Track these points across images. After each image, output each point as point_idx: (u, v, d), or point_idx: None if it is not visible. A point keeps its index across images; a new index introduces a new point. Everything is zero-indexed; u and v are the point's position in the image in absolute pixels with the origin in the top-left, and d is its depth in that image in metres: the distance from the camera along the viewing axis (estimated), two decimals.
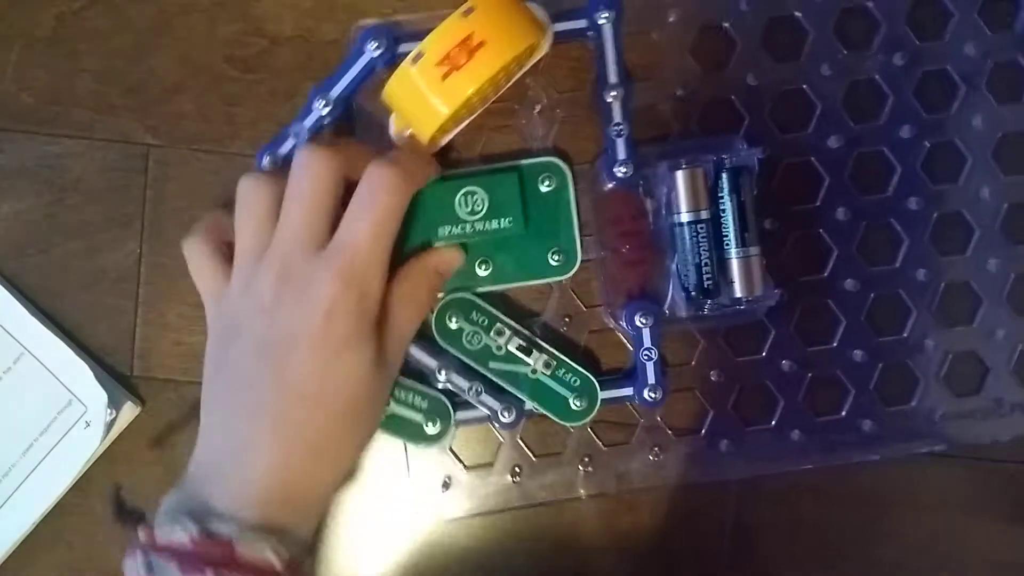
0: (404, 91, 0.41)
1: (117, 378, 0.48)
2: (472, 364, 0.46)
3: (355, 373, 0.41)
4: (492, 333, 0.46)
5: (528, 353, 0.46)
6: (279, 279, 0.40)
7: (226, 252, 0.43)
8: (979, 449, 0.49)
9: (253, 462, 0.40)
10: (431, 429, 0.46)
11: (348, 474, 0.47)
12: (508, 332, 0.46)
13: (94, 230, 0.48)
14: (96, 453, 0.47)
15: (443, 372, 0.46)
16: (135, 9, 0.48)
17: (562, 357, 0.47)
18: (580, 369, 0.47)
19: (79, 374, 0.47)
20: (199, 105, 0.48)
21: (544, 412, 0.47)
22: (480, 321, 0.46)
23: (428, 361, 0.47)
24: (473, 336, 0.46)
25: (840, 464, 0.48)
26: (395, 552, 0.49)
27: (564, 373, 0.47)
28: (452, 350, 0.46)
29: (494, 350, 0.46)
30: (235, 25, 0.48)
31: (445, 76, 0.40)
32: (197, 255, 0.44)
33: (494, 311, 0.46)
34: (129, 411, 0.47)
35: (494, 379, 0.46)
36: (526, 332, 0.47)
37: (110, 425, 0.47)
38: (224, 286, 0.42)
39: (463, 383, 0.46)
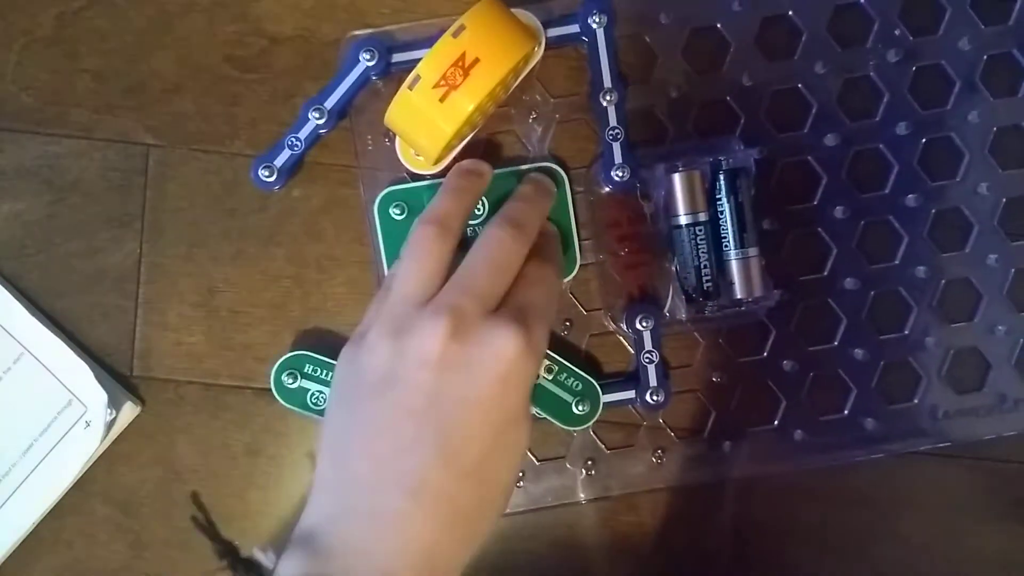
0: (405, 116, 0.41)
1: (117, 378, 0.48)
2: None
3: (519, 452, 0.39)
4: None
5: None
6: (451, 335, 0.38)
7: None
8: (980, 449, 0.49)
9: (406, 541, 0.37)
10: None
11: None
12: None
13: (94, 230, 0.48)
14: (96, 453, 0.47)
15: None
16: (135, 9, 0.48)
17: (563, 362, 0.47)
18: (582, 373, 0.47)
19: (79, 374, 0.47)
20: (199, 105, 0.48)
21: (547, 417, 0.47)
22: None
23: None
24: None
25: (842, 464, 0.48)
26: None
27: (566, 378, 0.47)
28: None
29: None
30: (235, 25, 0.48)
31: (443, 97, 0.40)
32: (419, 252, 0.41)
33: None
34: (129, 411, 0.47)
35: None
36: None
37: (110, 425, 0.47)
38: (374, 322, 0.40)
39: None
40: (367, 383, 0.39)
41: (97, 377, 0.47)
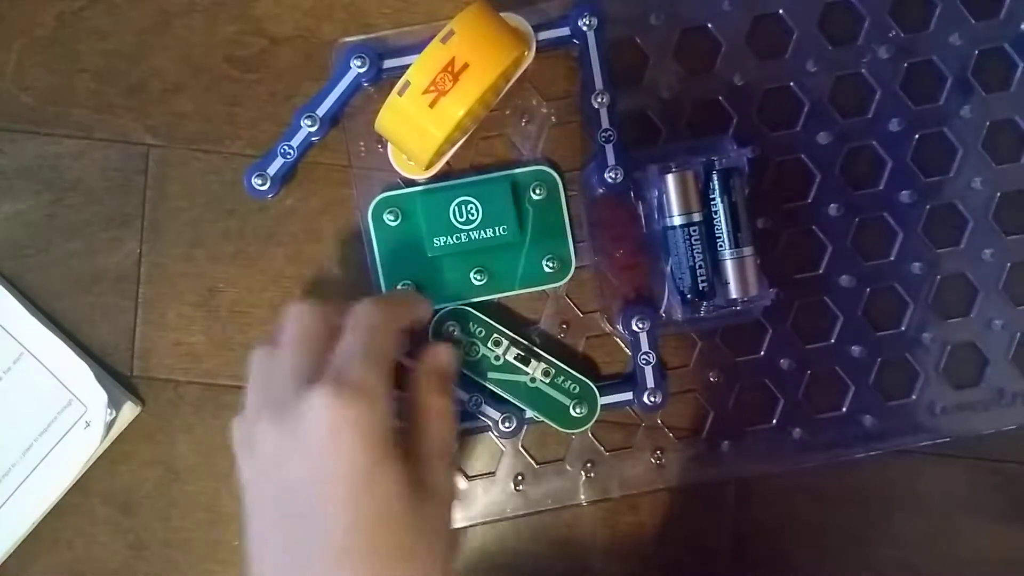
0: (396, 122, 0.42)
1: (117, 378, 0.48)
2: (471, 375, 0.46)
3: (386, 506, 0.35)
4: (490, 343, 0.46)
5: (527, 362, 0.46)
6: (274, 424, 0.37)
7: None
8: (980, 449, 0.49)
9: None
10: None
11: None
12: (506, 342, 0.46)
13: (94, 230, 0.48)
14: (96, 453, 0.47)
15: None
16: (135, 9, 0.48)
17: (561, 365, 0.47)
18: (579, 376, 0.47)
19: (79, 374, 0.47)
20: (199, 105, 0.48)
21: (545, 420, 0.47)
22: (477, 332, 0.47)
23: None
24: (471, 347, 0.46)
25: (841, 461, 0.48)
26: None
27: (563, 381, 0.47)
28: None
29: (492, 360, 0.46)
30: (235, 25, 0.48)
31: (433, 103, 0.40)
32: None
33: (491, 321, 0.47)
34: (129, 411, 0.47)
35: (494, 389, 0.47)
36: (524, 341, 0.47)
37: (110, 425, 0.47)
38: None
39: (463, 395, 0.46)
40: (246, 511, 0.38)
41: (97, 377, 0.47)
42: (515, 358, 0.46)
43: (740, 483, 0.49)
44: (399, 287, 0.46)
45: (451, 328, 0.46)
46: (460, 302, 0.47)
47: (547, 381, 0.46)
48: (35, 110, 0.48)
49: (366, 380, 0.36)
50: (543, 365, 0.46)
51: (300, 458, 0.36)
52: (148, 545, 0.48)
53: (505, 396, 0.47)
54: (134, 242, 0.48)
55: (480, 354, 0.46)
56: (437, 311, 0.46)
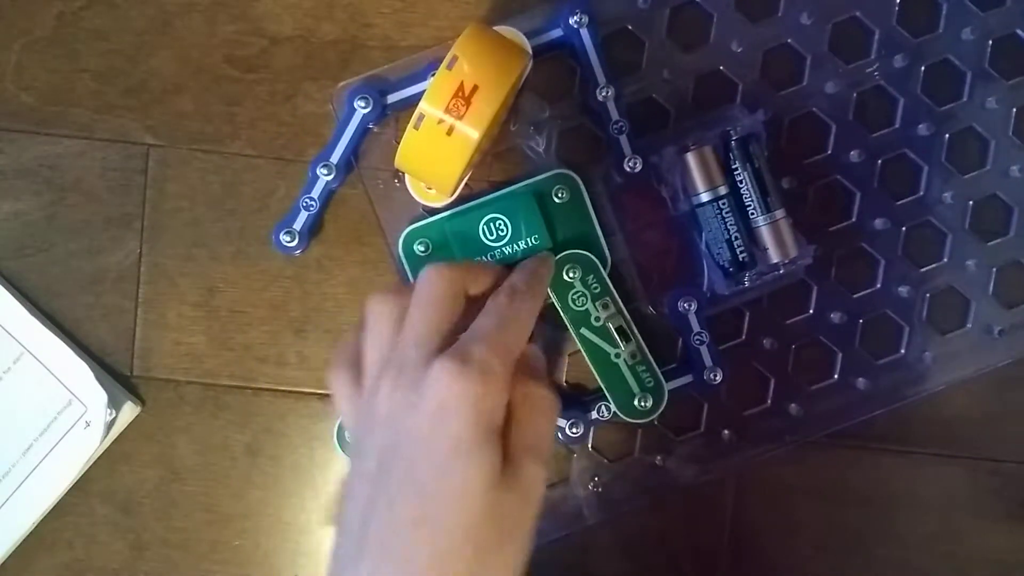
0: (415, 155, 0.41)
1: (117, 378, 0.48)
2: (566, 322, 0.46)
3: (472, 487, 0.35)
4: (599, 304, 0.46)
5: (624, 337, 0.46)
6: (394, 386, 0.37)
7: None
8: (979, 449, 0.49)
9: None
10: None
11: None
12: (613, 308, 0.46)
13: (94, 230, 0.48)
14: (96, 453, 0.47)
15: None
16: (135, 9, 0.48)
17: (648, 355, 0.46)
18: (658, 372, 0.46)
19: (79, 374, 0.47)
20: (199, 105, 0.48)
21: (608, 399, 0.46)
22: (592, 286, 0.46)
23: None
24: (580, 297, 0.46)
25: (841, 462, 0.48)
26: None
27: (643, 370, 0.46)
28: (555, 301, 0.46)
29: (592, 320, 0.46)
30: (235, 25, 0.48)
31: (450, 131, 0.40)
32: (335, 382, 0.40)
33: (609, 283, 0.46)
34: (129, 411, 0.47)
35: (578, 344, 0.46)
36: (628, 317, 0.46)
37: (110, 425, 0.47)
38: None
39: None
40: (351, 462, 0.39)
41: (97, 377, 0.47)
42: (616, 328, 0.46)
43: (739, 483, 0.49)
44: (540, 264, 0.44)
45: (572, 271, 0.46)
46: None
47: (630, 363, 0.46)
48: (35, 110, 0.48)
49: (492, 364, 0.36)
50: (633, 347, 0.46)
51: (412, 422, 0.36)
52: (148, 545, 0.48)
53: (584, 355, 0.46)
54: (134, 242, 0.48)
55: (584, 307, 0.46)
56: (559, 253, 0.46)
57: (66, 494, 0.47)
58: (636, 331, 0.46)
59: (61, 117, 0.48)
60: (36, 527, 0.47)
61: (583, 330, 0.46)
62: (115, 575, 0.48)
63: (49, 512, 0.47)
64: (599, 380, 0.46)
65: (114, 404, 0.47)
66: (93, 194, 0.48)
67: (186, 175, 0.48)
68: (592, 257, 0.46)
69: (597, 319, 0.46)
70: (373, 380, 0.38)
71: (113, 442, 0.48)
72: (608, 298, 0.46)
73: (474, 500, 0.35)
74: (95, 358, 0.48)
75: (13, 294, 0.47)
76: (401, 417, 0.36)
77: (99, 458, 0.48)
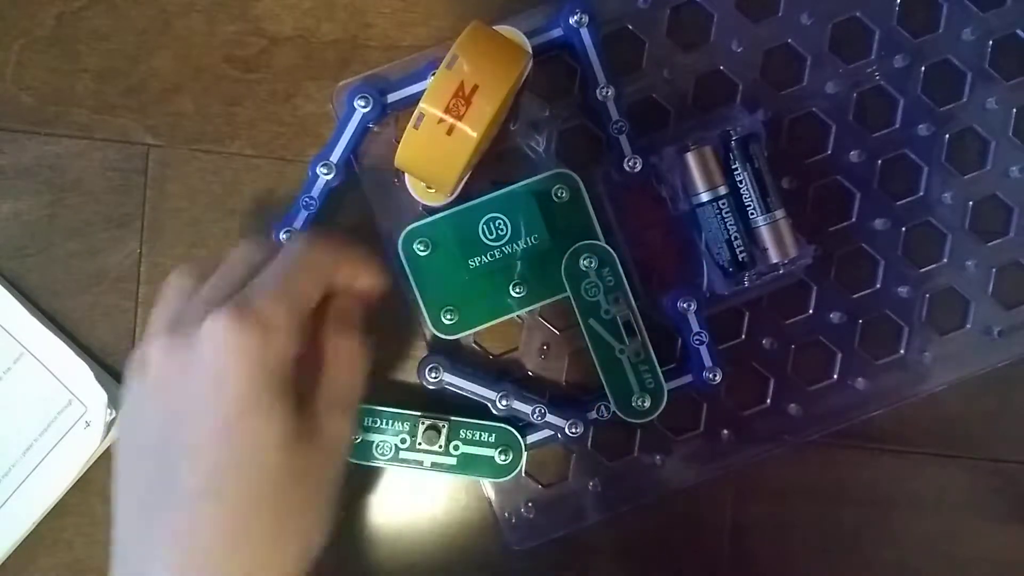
0: (415, 155, 0.41)
1: (117, 378, 0.48)
2: (575, 310, 0.46)
3: (261, 449, 0.33)
4: (610, 297, 0.46)
5: (631, 334, 0.46)
6: (167, 345, 0.34)
7: None
8: (979, 449, 0.49)
9: None
10: (502, 459, 0.46)
11: None
12: (623, 304, 0.46)
13: (94, 230, 0.48)
14: (96, 453, 0.47)
15: (503, 401, 0.46)
16: (135, 9, 0.48)
17: (652, 357, 0.46)
18: (660, 375, 0.46)
19: (79, 374, 0.47)
20: (199, 105, 0.48)
21: (608, 398, 0.46)
22: (606, 279, 0.46)
23: (486, 393, 0.46)
24: (592, 288, 0.46)
25: (840, 461, 0.49)
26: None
27: (646, 371, 0.46)
28: (568, 289, 0.46)
29: (602, 312, 0.46)
30: (235, 25, 0.48)
31: (450, 131, 0.40)
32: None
33: (623, 277, 0.46)
34: None
35: (584, 333, 0.46)
36: (639, 316, 0.46)
37: (110, 425, 0.47)
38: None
39: (525, 408, 0.46)
40: (119, 440, 0.37)
41: (97, 377, 0.47)
42: (624, 323, 0.46)
43: (739, 483, 0.49)
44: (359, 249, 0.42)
45: (588, 261, 0.46)
46: (503, 318, 0.47)
47: (633, 361, 0.46)
48: (35, 110, 0.48)
49: (272, 312, 0.33)
50: (638, 345, 0.46)
51: (186, 384, 0.33)
52: None
53: (589, 345, 0.46)
54: (134, 242, 0.48)
55: (595, 299, 0.46)
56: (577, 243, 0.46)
57: (66, 494, 0.47)
58: (644, 330, 0.46)
59: (61, 117, 0.48)
60: (36, 527, 0.47)
61: (591, 321, 0.46)
62: None
63: (49, 512, 0.47)
64: (600, 374, 0.46)
65: (114, 404, 0.47)
66: (93, 194, 0.48)
67: (186, 175, 0.48)
68: (611, 250, 0.46)
69: (607, 312, 0.46)
70: (151, 331, 0.36)
71: (113, 442, 0.47)
72: (619, 293, 0.46)
73: (265, 462, 0.33)
74: (95, 358, 0.48)
75: (13, 294, 0.47)
76: (173, 383, 0.34)
77: (99, 458, 0.48)
